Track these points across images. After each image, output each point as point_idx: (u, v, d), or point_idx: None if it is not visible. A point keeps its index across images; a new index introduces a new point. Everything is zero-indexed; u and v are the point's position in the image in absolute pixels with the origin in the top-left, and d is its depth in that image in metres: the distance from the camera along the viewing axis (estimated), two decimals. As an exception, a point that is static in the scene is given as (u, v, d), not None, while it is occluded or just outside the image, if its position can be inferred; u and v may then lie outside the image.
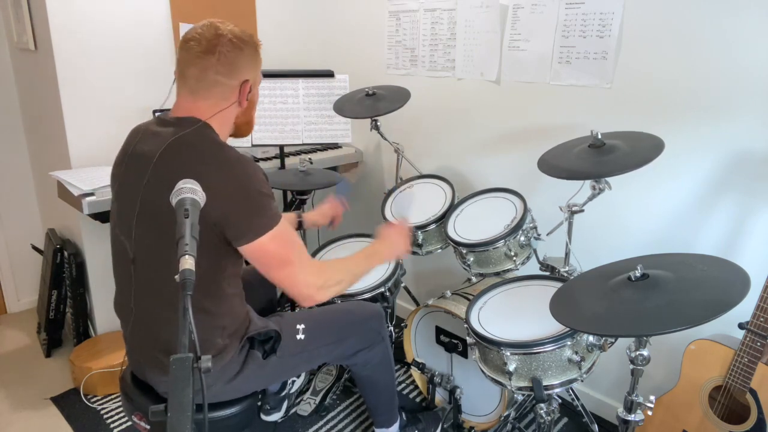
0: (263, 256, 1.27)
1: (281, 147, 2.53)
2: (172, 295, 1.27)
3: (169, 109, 1.38)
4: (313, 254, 2.19)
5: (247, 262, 2.28)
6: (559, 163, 1.64)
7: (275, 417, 2.14)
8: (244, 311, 1.42)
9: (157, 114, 1.37)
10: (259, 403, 2.17)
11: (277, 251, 1.27)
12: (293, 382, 2.26)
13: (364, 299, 1.91)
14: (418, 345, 2.17)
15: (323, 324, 1.59)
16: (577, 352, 1.44)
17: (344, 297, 1.91)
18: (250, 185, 1.24)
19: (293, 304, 2.70)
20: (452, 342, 1.99)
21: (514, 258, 1.80)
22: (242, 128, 1.44)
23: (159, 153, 1.24)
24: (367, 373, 1.74)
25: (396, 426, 1.90)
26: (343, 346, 1.62)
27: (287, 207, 2.51)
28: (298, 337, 1.51)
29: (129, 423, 2.11)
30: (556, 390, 1.46)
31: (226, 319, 1.33)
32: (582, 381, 1.50)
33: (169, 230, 1.20)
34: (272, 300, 1.92)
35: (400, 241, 1.66)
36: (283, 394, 2.18)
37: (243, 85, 1.32)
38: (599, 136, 1.61)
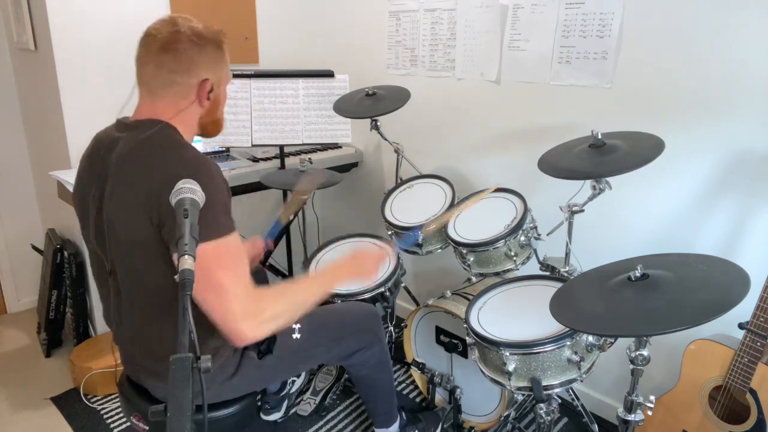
0: (198, 268, 1.11)
1: (281, 147, 2.53)
2: (152, 302, 1.24)
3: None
4: (313, 254, 2.18)
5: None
6: (559, 163, 1.64)
7: (275, 416, 2.14)
8: None
9: (117, 119, 1.32)
10: (259, 403, 2.17)
11: (214, 268, 1.12)
12: (293, 382, 2.26)
13: (364, 299, 1.91)
14: (418, 345, 2.17)
15: (320, 324, 1.59)
16: (576, 352, 1.44)
17: (342, 297, 1.91)
18: (210, 187, 1.13)
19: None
20: (452, 342, 1.99)
21: (515, 258, 1.80)
22: (208, 128, 1.37)
23: (121, 159, 1.19)
24: (365, 373, 1.74)
25: (396, 425, 1.90)
26: (340, 346, 1.62)
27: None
28: (294, 336, 1.51)
29: (129, 423, 2.11)
30: (556, 390, 1.46)
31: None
32: (581, 381, 1.50)
33: (139, 237, 1.17)
34: None
35: (371, 266, 1.52)
36: (283, 393, 2.18)
37: (202, 83, 1.26)
38: (599, 136, 1.61)
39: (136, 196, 1.16)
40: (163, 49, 1.21)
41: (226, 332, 1.17)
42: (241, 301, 1.16)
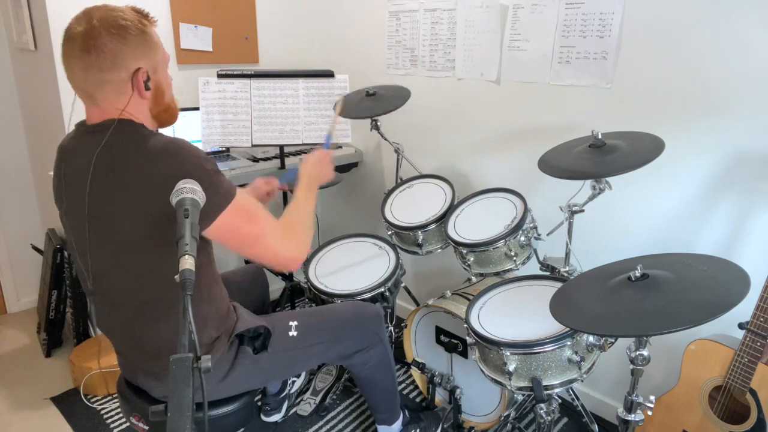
0: (230, 234, 1.22)
1: (281, 147, 2.53)
2: (145, 304, 1.25)
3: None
4: (312, 254, 2.19)
5: (246, 261, 2.28)
6: (560, 164, 1.64)
7: (275, 418, 2.14)
8: (227, 304, 1.41)
9: (77, 124, 1.29)
10: (259, 404, 2.17)
11: (242, 226, 1.23)
12: (293, 382, 2.26)
13: (364, 299, 1.91)
14: (418, 345, 2.17)
15: (318, 322, 1.59)
16: (577, 352, 1.44)
17: (342, 297, 1.91)
18: (192, 166, 1.15)
19: (293, 305, 2.70)
20: (452, 342, 1.99)
21: (515, 258, 1.80)
22: (162, 117, 1.30)
23: (92, 166, 1.17)
24: (366, 373, 1.73)
25: (398, 423, 1.89)
26: (339, 345, 1.62)
27: (286, 206, 2.52)
28: (291, 333, 1.51)
29: (128, 423, 2.11)
30: (556, 390, 1.46)
31: (206, 309, 1.32)
32: (582, 381, 1.50)
33: (125, 240, 1.18)
34: (264, 301, 1.92)
35: (324, 167, 1.63)
36: (283, 395, 2.18)
37: (135, 74, 1.19)
38: (599, 136, 1.61)
39: (131, 196, 1.15)
40: (84, 49, 1.14)
41: (282, 266, 1.33)
42: (277, 236, 1.31)
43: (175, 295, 1.22)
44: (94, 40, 1.13)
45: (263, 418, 2.14)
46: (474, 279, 2.16)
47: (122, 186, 1.15)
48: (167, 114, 1.31)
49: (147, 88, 1.21)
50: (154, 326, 1.27)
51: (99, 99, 1.19)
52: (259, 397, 2.20)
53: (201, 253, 1.27)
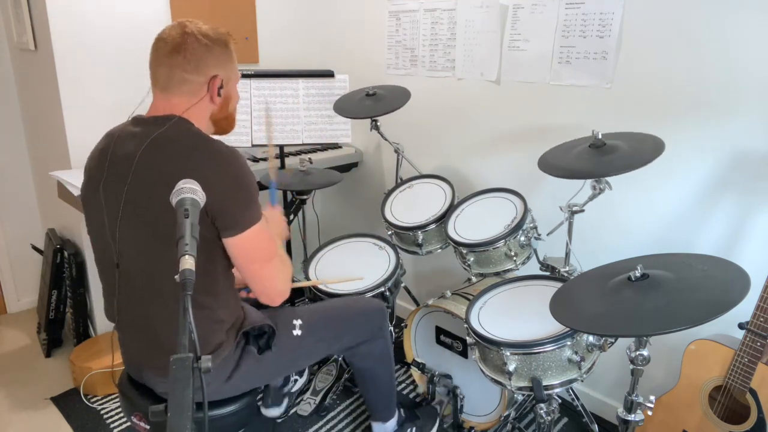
0: (249, 249, 1.28)
1: (281, 147, 2.53)
2: (164, 295, 1.26)
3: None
4: (313, 254, 2.19)
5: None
6: (560, 163, 1.64)
7: (275, 412, 2.14)
8: (239, 305, 1.43)
9: (134, 116, 1.37)
10: (261, 396, 2.16)
11: (262, 245, 1.30)
12: (295, 381, 2.26)
13: (364, 299, 1.91)
14: (418, 345, 2.17)
15: (322, 320, 1.60)
16: (577, 352, 1.44)
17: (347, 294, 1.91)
18: (243, 177, 1.26)
19: (293, 305, 2.70)
20: (452, 342, 1.99)
21: (515, 258, 1.80)
22: (221, 124, 1.41)
23: (141, 152, 1.23)
24: (367, 365, 1.74)
25: (393, 421, 1.89)
26: (342, 341, 1.63)
27: (287, 207, 2.52)
28: (295, 332, 1.51)
29: (129, 423, 2.11)
30: (556, 390, 1.46)
31: (223, 312, 1.33)
32: (582, 381, 1.50)
33: (158, 229, 1.21)
34: None
35: (282, 226, 1.73)
36: (286, 390, 2.17)
37: (212, 80, 1.31)
38: (600, 136, 1.61)
39: (158, 189, 1.19)
40: (173, 50, 1.27)
41: (273, 296, 1.36)
42: (284, 266, 1.39)
43: (200, 290, 1.25)
44: (185, 45, 1.27)
45: (263, 410, 2.13)
46: (474, 279, 2.16)
47: (170, 176, 1.17)
48: (226, 122, 1.42)
49: (218, 95, 1.33)
50: (170, 319, 1.27)
51: (174, 94, 1.30)
52: (260, 389, 2.20)
53: (225, 256, 1.30)
